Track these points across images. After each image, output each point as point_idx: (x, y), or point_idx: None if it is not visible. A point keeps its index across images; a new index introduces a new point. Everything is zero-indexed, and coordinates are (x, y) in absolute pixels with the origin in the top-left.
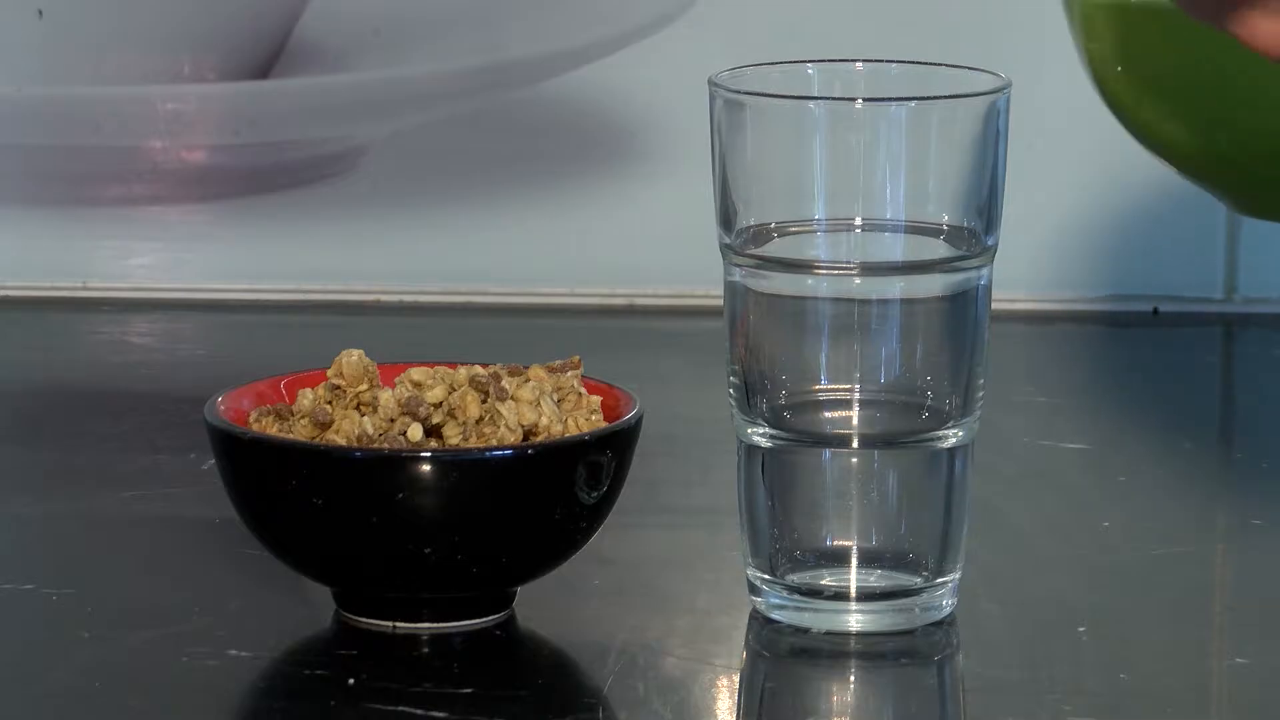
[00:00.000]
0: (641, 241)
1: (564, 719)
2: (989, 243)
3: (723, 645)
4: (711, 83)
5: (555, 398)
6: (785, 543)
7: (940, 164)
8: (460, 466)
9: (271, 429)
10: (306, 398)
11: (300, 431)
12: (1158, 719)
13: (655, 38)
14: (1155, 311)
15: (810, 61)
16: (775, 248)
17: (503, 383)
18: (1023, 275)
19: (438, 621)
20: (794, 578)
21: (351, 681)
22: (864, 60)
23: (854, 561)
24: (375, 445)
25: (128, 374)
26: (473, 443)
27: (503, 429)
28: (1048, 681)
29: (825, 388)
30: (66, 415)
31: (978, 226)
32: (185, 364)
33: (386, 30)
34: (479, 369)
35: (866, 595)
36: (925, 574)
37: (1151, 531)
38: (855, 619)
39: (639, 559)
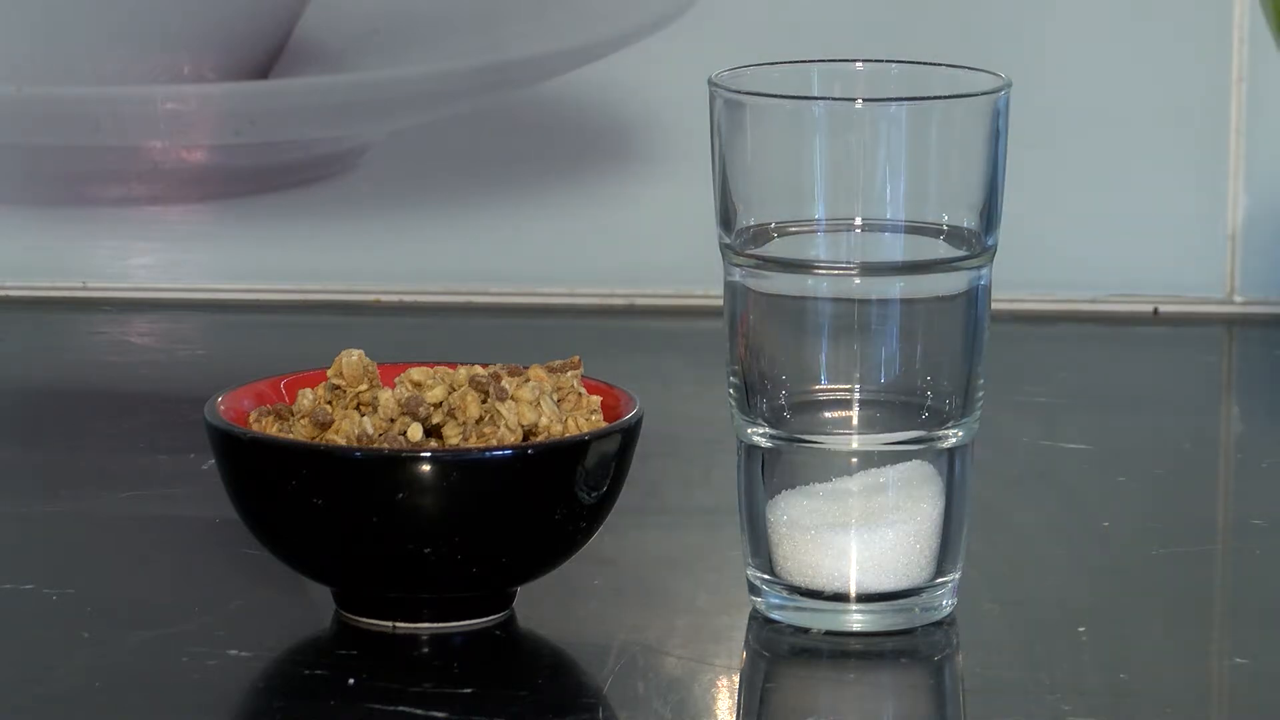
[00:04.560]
0: (641, 241)
1: (564, 719)
2: (989, 243)
3: (723, 645)
4: (711, 83)
5: (555, 398)
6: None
7: (940, 164)
8: (460, 466)
9: (271, 429)
10: (306, 398)
11: (300, 431)
12: (1158, 719)
13: (655, 38)
14: (1155, 311)
15: (810, 61)
16: (775, 248)
17: (503, 383)
18: (1023, 275)
19: (438, 621)
20: (794, 578)
21: (351, 681)
22: (864, 60)
23: (854, 561)
24: (375, 445)
25: (128, 374)
26: (473, 443)
27: (503, 429)
28: (1048, 681)
29: (825, 388)
30: (66, 415)
31: (978, 226)
32: (185, 364)
33: (386, 30)
34: (479, 369)
35: (866, 595)
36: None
37: (1151, 531)
38: (855, 619)
39: (639, 559)
